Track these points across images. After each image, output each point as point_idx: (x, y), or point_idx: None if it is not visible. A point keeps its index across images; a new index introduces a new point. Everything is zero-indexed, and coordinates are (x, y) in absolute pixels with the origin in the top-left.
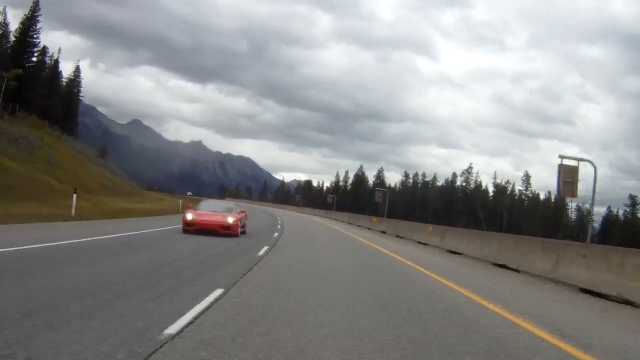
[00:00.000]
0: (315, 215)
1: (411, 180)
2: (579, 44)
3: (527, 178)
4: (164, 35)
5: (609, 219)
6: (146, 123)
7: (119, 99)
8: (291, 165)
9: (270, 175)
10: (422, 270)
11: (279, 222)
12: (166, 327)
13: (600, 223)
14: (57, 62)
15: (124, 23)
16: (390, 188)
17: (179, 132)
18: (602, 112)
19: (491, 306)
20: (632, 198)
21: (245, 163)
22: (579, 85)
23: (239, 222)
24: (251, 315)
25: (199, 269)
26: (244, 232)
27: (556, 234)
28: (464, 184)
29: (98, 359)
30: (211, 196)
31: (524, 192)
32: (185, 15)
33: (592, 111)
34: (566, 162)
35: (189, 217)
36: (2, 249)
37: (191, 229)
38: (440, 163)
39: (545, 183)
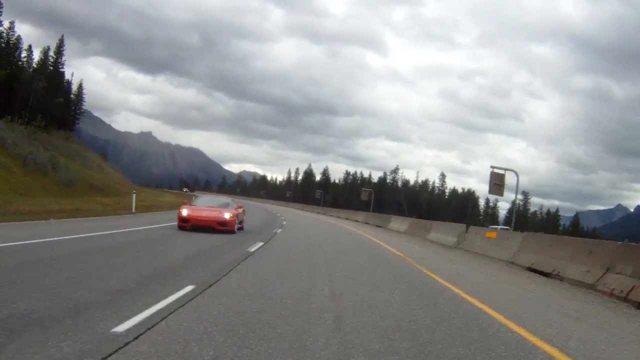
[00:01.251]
0: (279, 205)
1: (351, 177)
2: (528, 42)
3: (442, 177)
4: (115, 26)
5: (514, 210)
6: (96, 114)
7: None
8: (240, 156)
9: (219, 166)
10: (332, 222)
11: (271, 210)
12: (250, 247)
13: (505, 212)
14: (69, 82)
15: (75, 13)
16: (334, 183)
17: (128, 123)
18: (550, 109)
19: (345, 225)
20: (525, 194)
21: (194, 154)
22: (527, 83)
23: (236, 218)
24: (290, 231)
25: (265, 225)
26: (241, 228)
27: (461, 220)
28: (391, 182)
29: (233, 256)
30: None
31: (440, 187)
32: (136, 7)
33: (539, 107)
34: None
35: (184, 212)
36: None
37: (186, 225)
38: (389, 156)
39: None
